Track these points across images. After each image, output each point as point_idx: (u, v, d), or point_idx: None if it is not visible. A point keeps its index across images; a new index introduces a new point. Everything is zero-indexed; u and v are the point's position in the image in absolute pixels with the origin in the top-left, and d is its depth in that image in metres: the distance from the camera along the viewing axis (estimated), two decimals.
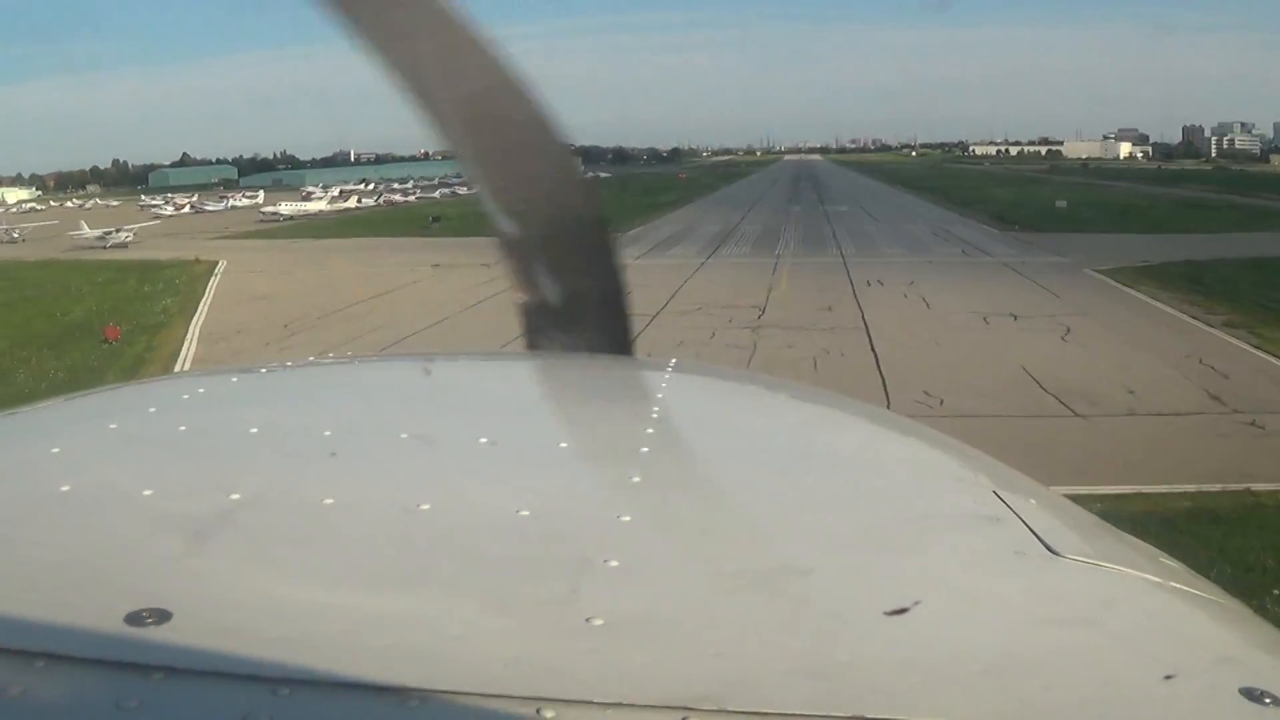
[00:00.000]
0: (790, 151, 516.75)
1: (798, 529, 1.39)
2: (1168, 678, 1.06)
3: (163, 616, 1.02)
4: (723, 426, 1.98)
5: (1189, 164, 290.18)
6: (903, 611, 1.11)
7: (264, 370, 2.33)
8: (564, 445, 1.72)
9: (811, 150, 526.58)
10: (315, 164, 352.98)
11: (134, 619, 1.01)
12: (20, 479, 1.51)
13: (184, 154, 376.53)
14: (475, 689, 0.95)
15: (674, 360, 2.22)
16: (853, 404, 2.32)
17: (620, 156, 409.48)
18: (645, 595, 1.14)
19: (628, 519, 1.33)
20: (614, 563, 1.20)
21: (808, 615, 1.13)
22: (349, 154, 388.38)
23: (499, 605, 1.10)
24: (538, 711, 0.93)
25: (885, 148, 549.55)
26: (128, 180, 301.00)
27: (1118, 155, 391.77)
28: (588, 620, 1.06)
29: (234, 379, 2.27)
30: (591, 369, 2.43)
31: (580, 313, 2.45)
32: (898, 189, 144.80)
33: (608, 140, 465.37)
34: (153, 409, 1.92)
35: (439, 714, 0.93)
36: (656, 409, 1.92)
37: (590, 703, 0.94)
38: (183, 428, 1.73)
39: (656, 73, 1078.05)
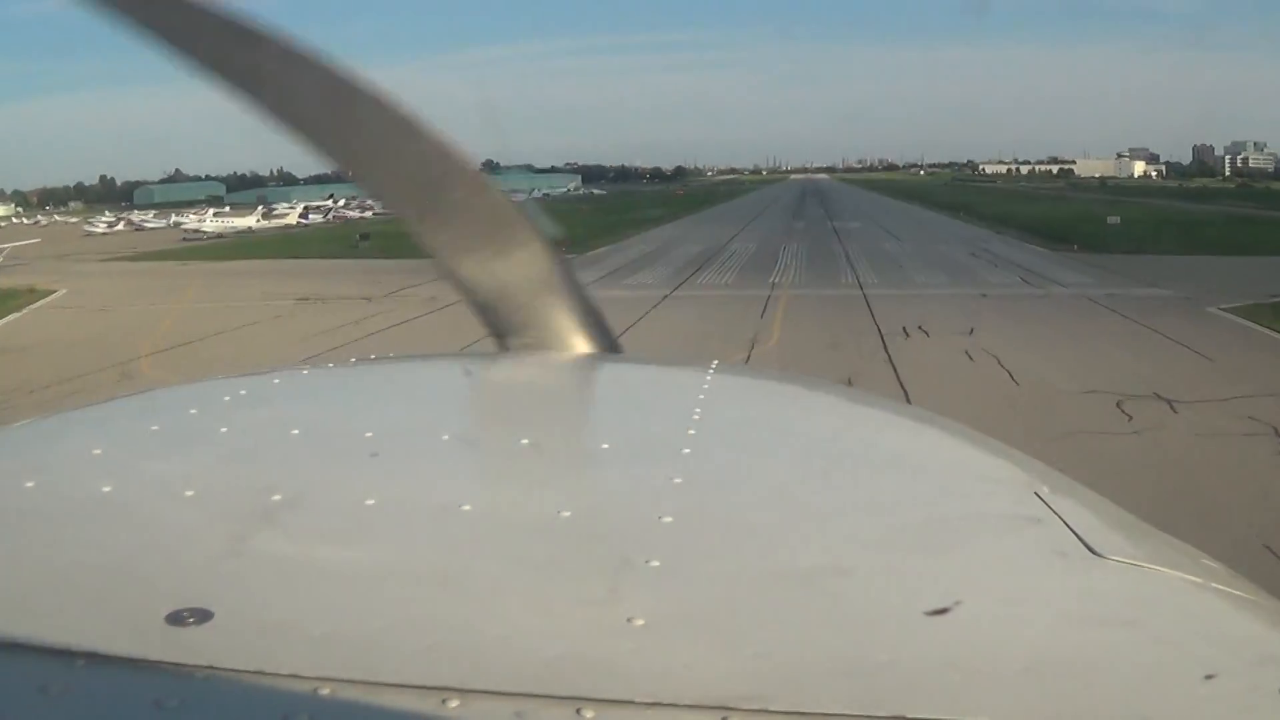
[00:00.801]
0: (796, 171, 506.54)
1: (838, 529, 1.40)
2: (1208, 677, 1.05)
3: (204, 616, 1.02)
4: (764, 428, 2.00)
5: (1207, 182, 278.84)
6: (943, 612, 1.10)
7: (305, 371, 2.41)
8: (605, 446, 1.71)
9: (818, 170, 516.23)
10: (309, 181, 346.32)
11: (175, 618, 1.01)
12: (62, 480, 1.51)
13: (176, 170, 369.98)
14: (515, 689, 0.94)
15: (715, 362, 2.27)
16: (893, 404, 2.41)
17: (623, 175, 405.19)
18: (686, 595, 1.14)
19: (669, 520, 1.33)
20: (655, 563, 1.19)
21: (848, 615, 1.13)
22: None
23: (540, 605, 1.09)
24: (578, 711, 0.92)
25: (892, 167, 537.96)
26: (114, 196, 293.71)
27: (1132, 174, 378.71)
28: (628, 620, 1.05)
29: (275, 380, 2.23)
30: (633, 371, 2.51)
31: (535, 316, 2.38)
32: (914, 204, 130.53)
33: (613, 159, 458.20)
34: (194, 410, 1.91)
35: (479, 714, 0.92)
36: (698, 411, 1.89)
37: (630, 702, 0.93)
38: (224, 429, 1.74)
39: (663, 93, 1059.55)
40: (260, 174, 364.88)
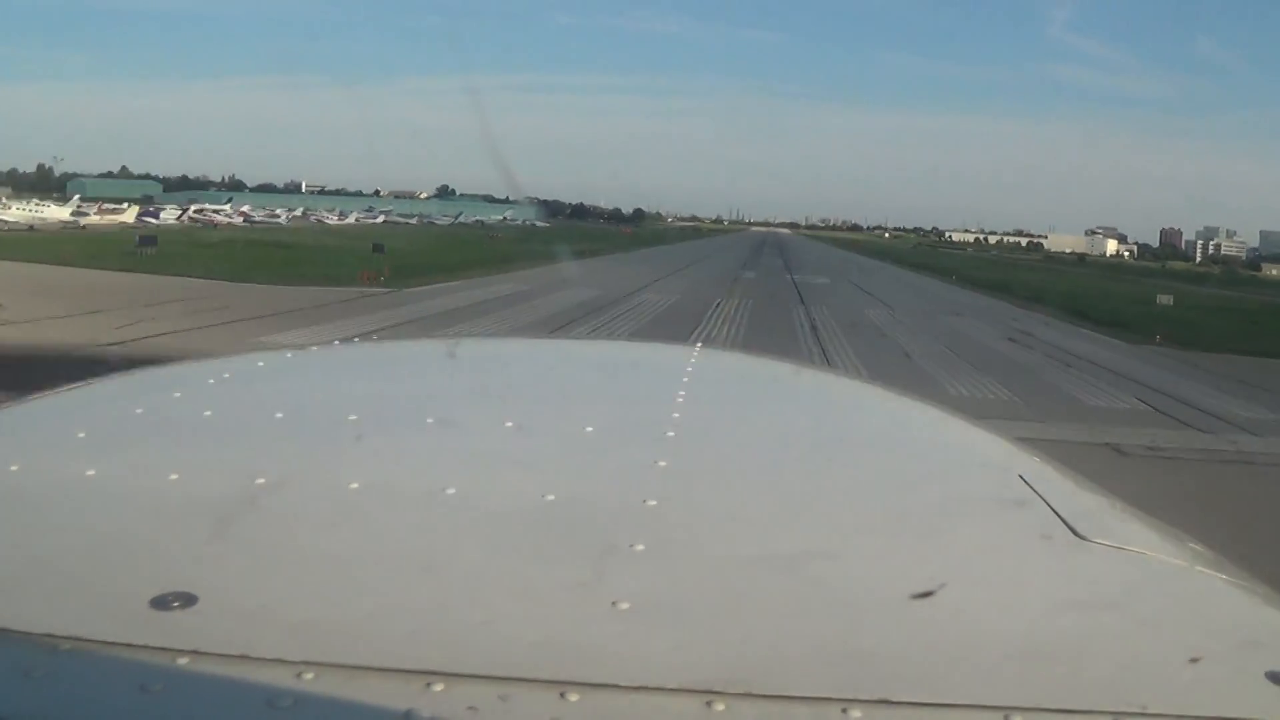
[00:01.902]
0: (759, 224, 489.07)
1: (824, 513, 1.39)
2: (1193, 661, 1.04)
3: (188, 600, 1.01)
4: (749, 411, 1.99)
5: (1184, 266, 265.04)
6: (928, 595, 1.10)
7: (289, 354, 2.38)
8: (589, 429, 1.68)
9: (780, 224, 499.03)
10: (256, 189, 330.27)
11: (160, 603, 1.00)
12: (46, 464, 1.49)
13: (123, 167, 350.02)
14: (499, 673, 0.94)
15: (699, 345, 2.31)
16: (879, 389, 2.39)
17: (580, 212, 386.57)
18: (671, 580, 1.13)
19: (654, 503, 1.32)
20: (640, 547, 1.18)
21: (833, 599, 1.12)
22: (299, 184, 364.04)
23: (524, 589, 1.08)
24: (562, 695, 0.91)
25: (856, 228, 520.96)
26: (49, 186, 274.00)
27: (1105, 251, 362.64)
28: (613, 604, 1.04)
29: (259, 363, 2.25)
30: (617, 353, 2.63)
31: None
32: (892, 264, 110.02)
33: (574, 197, 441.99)
34: (178, 393, 1.89)
35: (463, 698, 0.91)
36: (683, 393, 1.89)
37: (615, 686, 0.93)
38: (208, 412, 1.73)
39: (629, 136, 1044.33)
40: (211, 179, 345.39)
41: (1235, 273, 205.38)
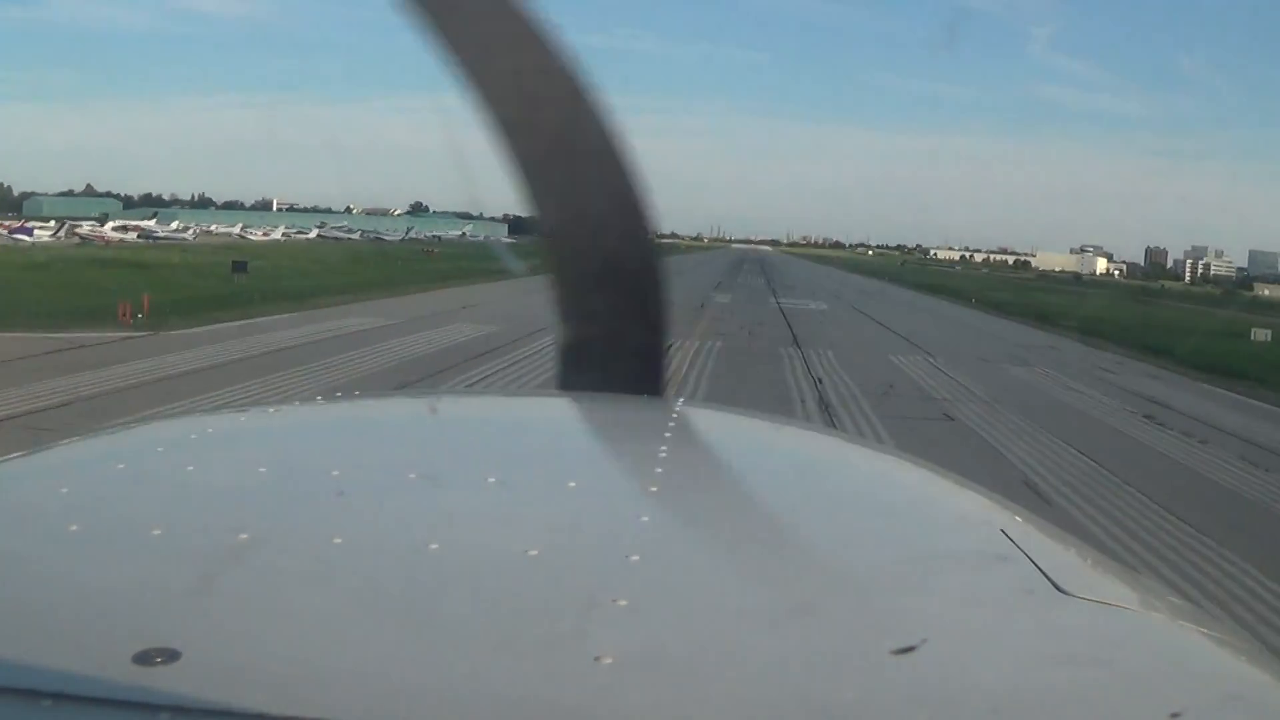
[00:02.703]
0: (739, 241, 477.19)
1: (806, 568, 1.39)
2: (1175, 716, 1.04)
3: (171, 656, 1.01)
4: (731, 466, 2.01)
5: (1176, 285, 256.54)
6: (910, 650, 1.10)
7: (271, 409, 2.36)
8: (572, 485, 1.66)
9: (761, 242, 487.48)
10: (223, 206, 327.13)
11: (142, 658, 1.00)
12: (28, 519, 1.50)
13: (88, 185, 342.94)
14: None
15: (681, 399, 2.29)
16: (860, 444, 2.42)
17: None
18: (654, 635, 1.13)
19: (636, 558, 1.31)
20: (623, 602, 1.18)
21: (815, 654, 1.12)
22: (270, 201, 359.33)
23: (507, 644, 1.09)
24: None
25: (838, 245, 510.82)
26: (6, 206, 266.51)
27: (1094, 270, 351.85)
28: (596, 659, 1.04)
29: (241, 418, 2.30)
30: (598, 408, 2.47)
31: (619, 355, 2.44)
32: (891, 284, 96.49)
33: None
34: (160, 448, 1.91)
35: None
36: (664, 448, 1.87)
37: None
38: (190, 467, 1.73)
39: None
40: (181, 196, 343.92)
41: (1237, 294, 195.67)
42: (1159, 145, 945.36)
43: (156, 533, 1.36)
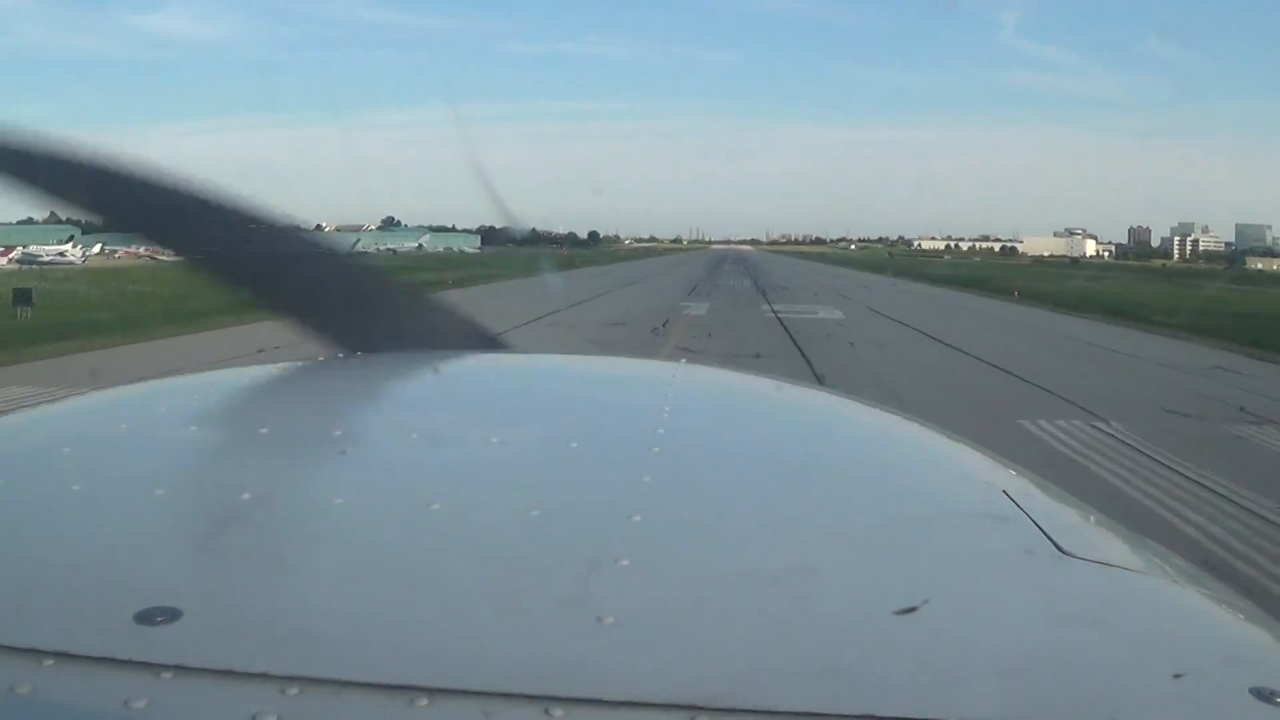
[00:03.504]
0: (719, 242, 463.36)
1: (808, 528, 1.39)
2: (1177, 677, 1.05)
3: (173, 615, 1.01)
4: (733, 426, 1.99)
5: (1168, 263, 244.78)
6: (912, 610, 1.10)
7: (273, 368, 2.38)
8: (575, 445, 1.67)
9: (741, 242, 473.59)
10: None
11: (144, 617, 1.00)
12: (30, 477, 1.51)
13: (52, 213, 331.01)
14: (484, 688, 0.94)
15: (684, 360, 2.29)
16: (863, 404, 2.38)
17: (532, 238, 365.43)
18: (656, 594, 1.14)
19: (638, 519, 1.32)
20: (625, 561, 1.18)
21: (818, 614, 1.13)
22: None
23: (509, 604, 1.09)
24: (547, 711, 0.92)
25: (820, 241, 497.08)
26: None
27: (1083, 253, 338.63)
28: (598, 619, 1.05)
29: (244, 376, 2.28)
30: (603, 368, 2.53)
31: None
32: (902, 279, 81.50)
33: (531, 224, 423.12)
34: (162, 407, 1.91)
35: (447, 713, 0.91)
36: (667, 408, 1.90)
37: (599, 701, 0.93)
38: (193, 426, 1.77)
39: (585, 163, 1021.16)
40: None
41: (1246, 269, 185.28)
42: (1134, 125, 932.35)
43: (159, 492, 1.35)
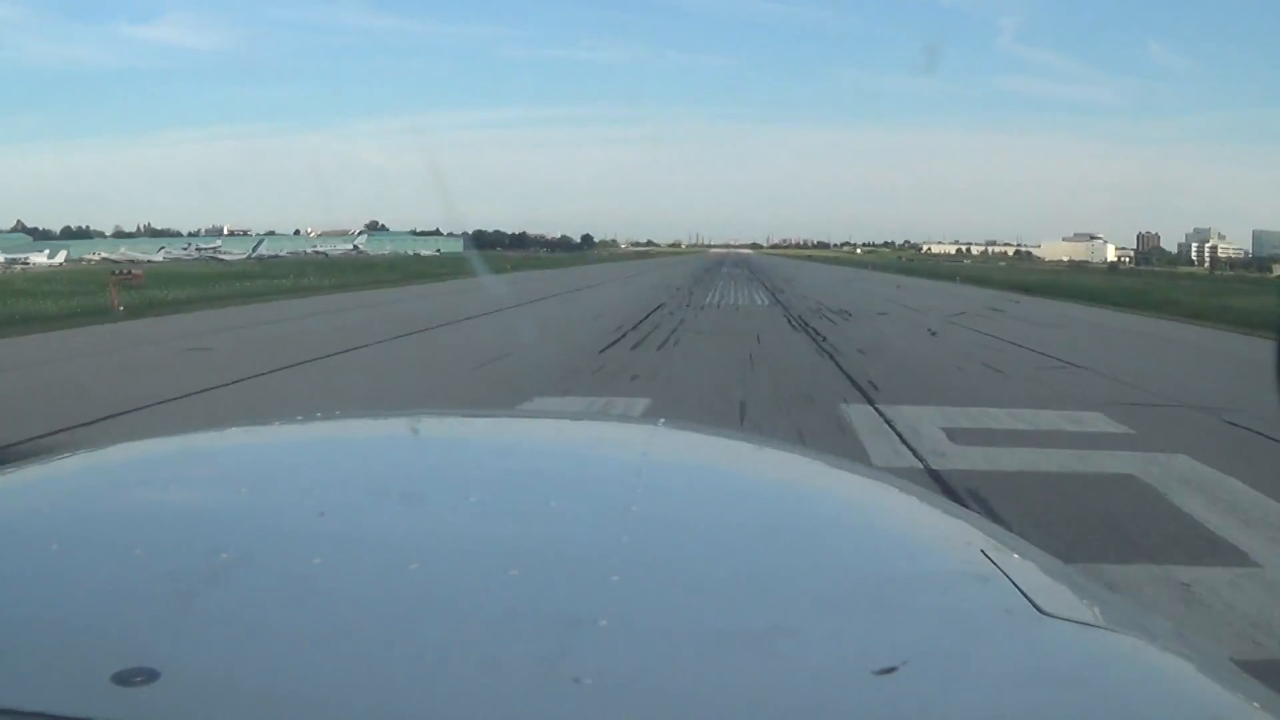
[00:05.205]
0: (719, 246, 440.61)
1: (786, 589, 1.37)
2: None
3: (151, 676, 0.99)
4: (711, 486, 1.97)
5: (1194, 269, 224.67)
6: (891, 671, 1.08)
7: (251, 429, 2.38)
8: (553, 504, 1.66)
9: (741, 246, 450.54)
10: (158, 235, 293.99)
11: (122, 678, 0.98)
12: (7, 537, 1.49)
13: (18, 221, 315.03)
14: None
15: (662, 420, 2.29)
16: (841, 463, 2.38)
17: (519, 242, 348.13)
18: (634, 655, 1.12)
19: (616, 579, 1.31)
20: (603, 622, 1.16)
21: (796, 675, 1.11)
22: (221, 227, 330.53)
23: (487, 664, 1.07)
24: None
25: (823, 245, 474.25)
26: None
27: (1104, 258, 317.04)
28: (576, 680, 1.03)
29: (221, 437, 2.27)
30: (580, 428, 2.49)
31: None
32: (943, 281, 60.78)
33: (522, 227, 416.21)
34: (140, 469, 1.91)
35: None
36: (645, 469, 1.91)
37: None
38: (170, 486, 1.77)
39: (581, 167, 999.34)
40: (126, 229, 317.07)
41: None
42: (1140, 131, 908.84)
43: (137, 552, 1.34)
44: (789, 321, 27.77)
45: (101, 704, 0.94)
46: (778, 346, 20.08)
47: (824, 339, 21.74)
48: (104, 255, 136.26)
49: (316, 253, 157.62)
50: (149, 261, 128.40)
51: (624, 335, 21.24)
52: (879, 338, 22.75)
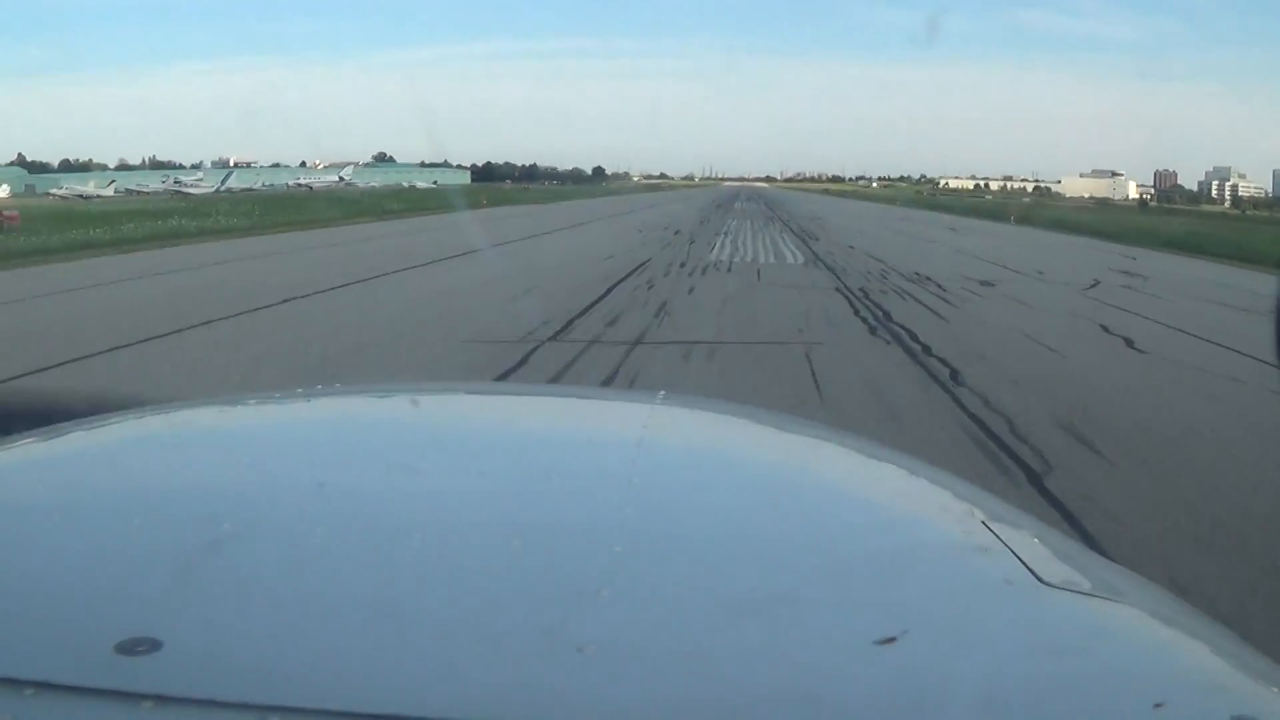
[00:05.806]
0: (733, 179, 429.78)
1: (787, 559, 1.38)
2: (1157, 706, 1.03)
3: (153, 645, 0.99)
4: (713, 457, 1.98)
5: (1219, 208, 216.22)
6: (891, 641, 1.08)
7: (253, 401, 2.40)
8: (556, 476, 1.67)
9: (756, 179, 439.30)
10: (122, 167, 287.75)
11: (124, 648, 0.98)
12: (10, 506, 1.49)
13: (19, 154, 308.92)
14: (464, 717, 0.93)
15: (663, 392, 2.29)
16: (842, 434, 2.38)
17: (529, 174, 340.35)
18: (636, 625, 1.12)
19: (619, 549, 1.31)
20: (606, 592, 1.17)
21: (797, 645, 1.11)
22: (228, 160, 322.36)
23: (489, 634, 1.07)
24: None
25: (838, 179, 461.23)
26: None
27: (1126, 195, 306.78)
28: (579, 650, 1.04)
29: (223, 409, 2.29)
30: (582, 401, 2.47)
31: None
32: (1016, 224, 51.32)
33: (535, 159, 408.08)
34: (143, 440, 1.92)
35: None
36: (647, 441, 1.92)
37: None
38: (172, 458, 1.78)
39: (595, 98, 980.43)
40: (131, 162, 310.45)
41: None
42: (1158, 68, 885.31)
43: (138, 523, 1.35)
44: (851, 306, 17.43)
45: (104, 673, 0.94)
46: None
47: (957, 374, 11.45)
48: (52, 191, 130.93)
49: (299, 185, 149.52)
50: (98, 196, 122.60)
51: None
52: (1032, 352, 13.20)
